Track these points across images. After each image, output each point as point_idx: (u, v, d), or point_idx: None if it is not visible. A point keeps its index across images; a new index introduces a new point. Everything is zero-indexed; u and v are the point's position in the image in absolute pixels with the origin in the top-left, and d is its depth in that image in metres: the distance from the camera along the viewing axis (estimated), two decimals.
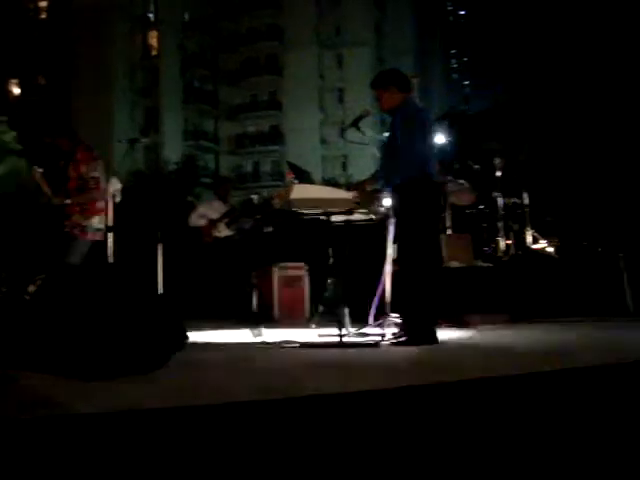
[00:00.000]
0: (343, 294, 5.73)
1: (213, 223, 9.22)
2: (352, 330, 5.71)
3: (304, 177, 5.86)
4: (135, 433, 2.68)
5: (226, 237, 9.34)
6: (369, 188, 5.38)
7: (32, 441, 2.54)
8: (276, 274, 8.22)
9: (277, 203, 5.76)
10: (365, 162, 39.00)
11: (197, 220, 9.29)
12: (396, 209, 5.34)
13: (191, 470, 2.32)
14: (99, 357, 3.91)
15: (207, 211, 9.40)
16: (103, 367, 3.88)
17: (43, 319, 4.49)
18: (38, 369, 4.18)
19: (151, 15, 50.21)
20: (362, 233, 6.34)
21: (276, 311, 8.19)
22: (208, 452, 2.49)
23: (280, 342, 5.53)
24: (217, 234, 9.29)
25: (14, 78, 47.34)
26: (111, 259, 6.46)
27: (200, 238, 9.22)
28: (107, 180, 6.55)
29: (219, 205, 9.48)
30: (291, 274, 8.44)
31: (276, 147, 51.82)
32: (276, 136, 52.57)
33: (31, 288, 5.09)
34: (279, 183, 45.88)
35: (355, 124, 6.09)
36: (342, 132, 40.69)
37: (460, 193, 8.82)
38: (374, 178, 5.57)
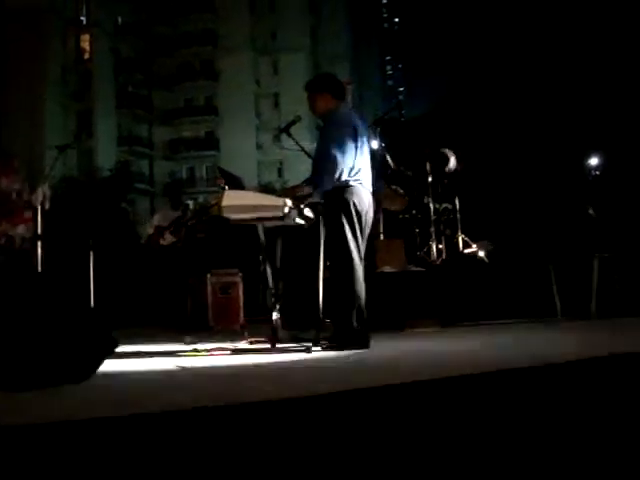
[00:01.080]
0: (275, 300, 5.74)
1: (161, 231, 9.22)
2: (285, 335, 5.73)
3: (236, 183, 5.86)
4: (66, 444, 2.65)
5: (170, 244, 9.33)
6: (299, 194, 5.41)
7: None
8: (210, 281, 8.20)
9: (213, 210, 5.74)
10: (301, 168, 39.04)
11: (147, 230, 9.37)
12: (324, 215, 5.40)
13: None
14: (27, 368, 3.85)
15: (160, 221, 9.46)
16: (31, 378, 3.82)
17: None
18: None
19: (83, 18, 49.41)
20: (295, 239, 6.37)
21: (210, 318, 8.16)
22: (140, 462, 2.48)
23: (212, 349, 5.52)
24: (162, 242, 9.28)
25: None
26: (40, 268, 6.35)
27: (143, 244, 9.20)
28: (32, 188, 6.43)
29: (171, 213, 9.53)
30: (225, 280, 8.42)
31: (212, 152, 51.50)
32: (211, 141, 52.28)
33: None
34: (214, 189, 45.62)
35: (286, 130, 6.12)
36: (276, 138, 40.66)
37: (393, 198, 8.93)
38: (305, 184, 5.61)
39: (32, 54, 43.89)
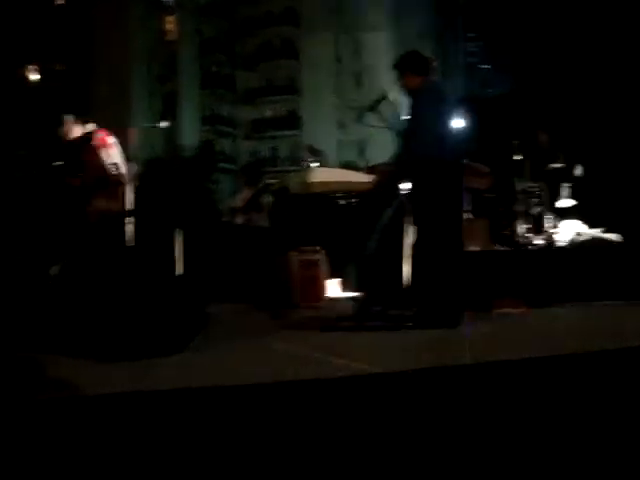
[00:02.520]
0: (362, 276, 5.74)
1: (235, 210, 9.36)
2: (372, 312, 5.72)
3: (322, 160, 5.87)
4: (153, 414, 2.72)
5: (244, 223, 9.45)
6: (387, 170, 5.38)
7: (53, 421, 2.59)
8: (294, 258, 8.24)
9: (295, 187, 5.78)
10: (382, 146, 38.87)
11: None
12: (414, 191, 5.35)
13: (208, 452, 2.35)
14: (122, 340, 3.96)
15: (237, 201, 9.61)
16: (127, 349, 3.93)
17: (66, 302, 4.55)
18: (64, 351, 4.23)
19: (168, 0, 50.05)
20: (380, 214, 6.34)
21: (295, 295, 8.21)
22: (231, 432, 2.52)
23: (296, 324, 5.57)
24: (240, 221, 9.41)
25: (32, 64, 47.39)
26: (131, 243, 6.50)
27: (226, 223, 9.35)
28: (126, 165, 6.58)
29: (248, 191, 9.63)
30: (309, 258, 8.45)
31: (293, 131, 51.68)
32: (293, 120, 52.43)
33: (53, 271, 5.16)
34: (296, 168, 45.81)
35: (373, 108, 6.09)
36: (360, 116, 40.45)
37: (478, 177, 8.80)
38: (393, 160, 5.58)
39: (118, 37, 44.80)
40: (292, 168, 45.50)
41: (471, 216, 8.61)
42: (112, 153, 6.32)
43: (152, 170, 22.43)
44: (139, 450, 2.34)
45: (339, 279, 9.16)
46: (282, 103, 53.01)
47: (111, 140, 6.43)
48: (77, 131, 6.44)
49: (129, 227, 6.58)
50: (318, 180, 4.86)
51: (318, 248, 8.56)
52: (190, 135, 43.55)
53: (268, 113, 53.42)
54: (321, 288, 8.44)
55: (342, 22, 52.25)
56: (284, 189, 10.23)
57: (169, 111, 44.79)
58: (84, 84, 44.90)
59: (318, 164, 5.15)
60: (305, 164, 5.37)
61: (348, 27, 52.14)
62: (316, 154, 5.72)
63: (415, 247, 5.40)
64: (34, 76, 46.04)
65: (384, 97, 6.14)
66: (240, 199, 9.72)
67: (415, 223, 5.37)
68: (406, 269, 5.58)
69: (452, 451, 2.27)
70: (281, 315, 6.57)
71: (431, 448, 2.32)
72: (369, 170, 5.91)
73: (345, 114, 50.78)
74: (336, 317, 6.19)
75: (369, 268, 6.22)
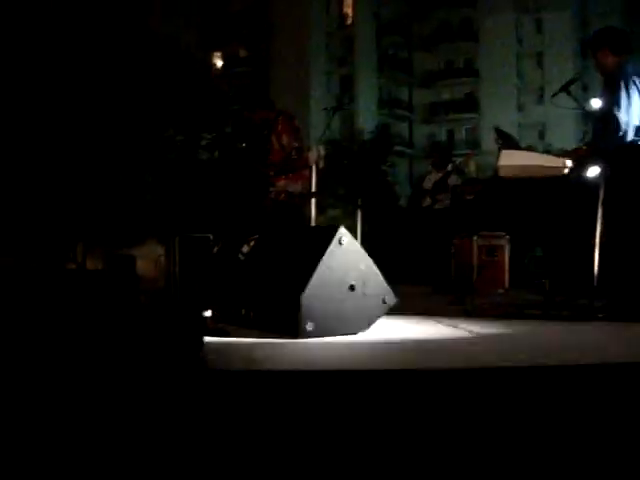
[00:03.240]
0: (548, 264, 5.54)
1: (424, 193, 9.34)
2: (558, 301, 5.51)
3: (511, 143, 5.69)
4: (331, 392, 2.72)
5: (428, 206, 9.44)
6: (581, 155, 5.13)
7: (230, 392, 2.66)
8: (476, 242, 8.07)
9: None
10: (564, 130, 37.38)
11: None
12: (608, 177, 5.07)
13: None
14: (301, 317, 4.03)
15: (426, 184, 9.60)
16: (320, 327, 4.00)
17: (255, 279, 4.69)
18: (249, 325, 4.38)
19: None
20: (570, 200, 6.07)
21: (475, 280, 8.06)
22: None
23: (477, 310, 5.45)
24: (425, 204, 9.39)
25: (217, 51, 49.44)
26: (313, 223, 6.61)
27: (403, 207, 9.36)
28: (309, 148, 6.69)
29: (435, 175, 9.61)
30: (491, 243, 8.27)
31: (471, 115, 50.80)
32: (471, 103, 51.50)
33: (245, 249, 5.33)
34: (474, 152, 45.03)
35: (565, 88, 5.81)
36: (539, 98, 39.06)
37: None
38: (587, 145, 5.32)
39: (297, 21, 45.78)
40: (470, 152, 44.82)
41: None
42: (295, 136, 6.44)
43: (332, 153, 22.77)
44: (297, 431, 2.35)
45: (520, 265, 8.92)
46: (460, 86, 52.19)
47: (294, 123, 6.55)
48: (261, 114, 6.61)
49: (312, 208, 6.70)
50: (507, 164, 4.69)
51: (502, 233, 8.36)
52: (367, 118, 43.86)
53: (445, 96, 52.80)
54: (503, 274, 8.24)
55: (523, 2, 50.59)
56: (465, 173, 10.09)
57: (346, 94, 45.33)
58: (264, 68, 46.32)
59: (506, 147, 4.98)
60: (498, 147, 5.21)
61: (529, 7, 50.42)
62: (504, 137, 5.54)
63: (607, 235, 5.12)
64: (218, 62, 48.11)
65: (577, 78, 5.87)
66: (429, 181, 9.70)
67: (606, 210, 5.08)
68: (596, 258, 5.31)
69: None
70: (461, 300, 6.46)
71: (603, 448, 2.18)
72: (563, 154, 5.64)
73: (525, 96, 49.31)
74: (519, 305, 6.02)
75: (556, 256, 5.99)
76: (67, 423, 2.39)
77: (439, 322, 4.78)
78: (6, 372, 2.81)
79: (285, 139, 6.38)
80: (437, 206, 9.34)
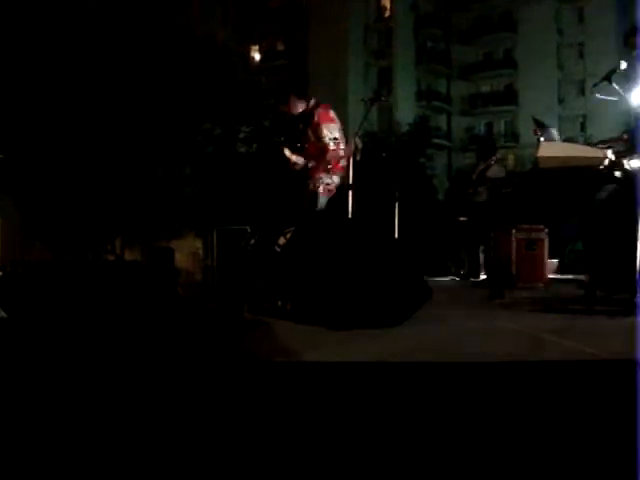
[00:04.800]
0: (589, 258, 5.46)
1: (469, 185, 9.28)
2: (598, 296, 5.43)
3: (550, 134, 5.61)
4: (363, 384, 2.71)
5: (468, 198, 9.39)
6: (623, 146, 5.04)
7: (270, 384, 2.66)
8: (515, 236, 7.99)
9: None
10: (606, 122, 36.79)
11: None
12: None
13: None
14: (350, 309, 4.03)
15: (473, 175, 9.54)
16: (347, 318, 4.00)
17: (292, 270, 4.70)
18: (286, 317, 4.39)
19: None
20: (611, 193, 5.97)
21: (514, 274, 7.99)
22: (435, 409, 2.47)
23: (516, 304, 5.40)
24: (476, 198, 9.31)
25: (255, 45, 49.58)
26: (352, 216, 6.60)
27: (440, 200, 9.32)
28: (346, 140, 6.67)
29: (480, 166, 9.54)
30: (531, 236, 8.17)
31: (510, 107, 50.21)
32: (510, 95, 50.88)
33: (281, 241, 5.34)
34: (513, 144, 44.55)
35: (607, 78, 5.71)
36: (593, 87, 38.42)
37: None
38: (628, 135, 5.22)
39: (335, 14, 45.69)
40: (509, 145, 44.37)
41: None
42: (332, 128, 6.42)
43: (370, 146, 22.71)
44: (335, 420, 2.34)
45: (559, 260, 8.82)
46: (499, 77, 51.63)
47: (331, 115, 6.52)
48: (299, 107, 6.59)
49: (350, 200, 6.69)
50: (547, 155, 4.62)
51: (541, 227, 8.25)
52: (405, 111, 43.65)
53: (484, 88, 52.28)
54: (542, 268, 8.13)
55: None
56: (504, 166, 10.01)
57: (384, 87, 45.17)
58: (302, 61, 46.36)
59: (543, 138, 4.91)
60: (537, 138, 5.12)
61: None
62: (544, 128, 5.45)
63: None
64: (257, 56, 48.29)
65: (619, 67, 5.75)
66: (474, 173, 9.63)
67: None
68: (639, 252, 5.22)
69: None
70: (499, 293, 6.41)
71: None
72: (604, 144, 5.54)
73: (566, 88, 48.63)
74: (559, 299, 5.95)
75: (596, 250, 5.90)
76: (104, 411, 2.41)
77: (477, 315, 4.75)
78: (47, 360, 2.85)
79: (322, 131, 6.36)
80: (476, 199, 9.25)
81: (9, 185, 18.69)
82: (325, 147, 6.27)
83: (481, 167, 9.45)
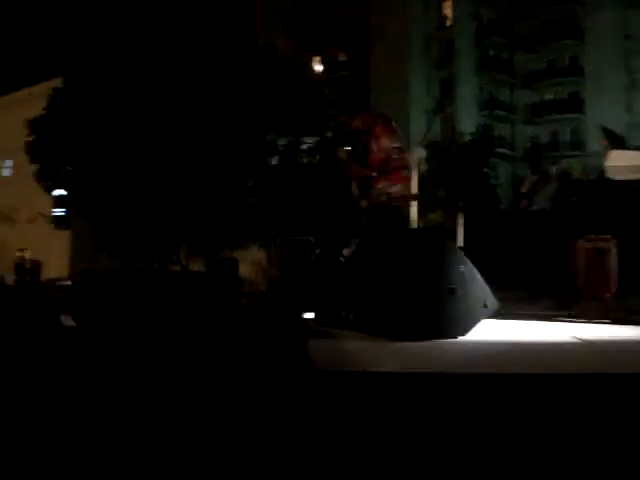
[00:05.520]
0: None
1: (522, 196, 9.21)
2: None
3: (619, 143, 5.51)
4: (427, 394, 2.70)
5: (526, 208, 9.27)
6: None
7: (335, 393, 2.67)
8: (582, 246, 7.84)
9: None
10: None
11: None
12: None
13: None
14: (407, 319, 4.02)
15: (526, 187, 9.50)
16: (410, 329, 3.98)
17: (357, 281, 4.71)
18: (349, 327, 4.40)
19: None
20: None
21: (580, 284, 7.83)
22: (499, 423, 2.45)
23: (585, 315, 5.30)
24: (522, 206, 9.25)
25: (317, 55, 49.84)
26: (414, 225, 6.59)
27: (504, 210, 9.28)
28: (409, 150, 6.67)
29: (531, 177, 9.50)
30: (598, 246, 7.99)
31: (576, 115, 49.29)
32: (576, 103, 49.98)
33: (346, 251, 5.36)
34: (578, 153, 43.73)
35: None
36: None
37: None
38: None
39: (396, 24, 45.65)
40: (574, 154, 43.55)
41: None
42: (394, 139, 6.43)
43: (432, 155, 22.58)
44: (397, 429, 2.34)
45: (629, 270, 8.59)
46: (564, 85, 50.74)
47: (392, 126, 6.54)
48: (361, 117, 6.63)
49: (413, 210, 6.68)
50: (616, 164, 4.53)
51: (609, 237, 8.07)
52: (467, 120, 43.27)
53: (548, 96, 51.44)
54: (611, 279, 7.95)
55: None
56: (567, 174, 9.86)
57: (446, 96, 44.89)
58: (363, 72, 46.44)
59: (614, 148, 4.83)
60: (604, 147, 5.05)
61: (638, 3, 48.58)
62: (612, 137, 5.34)
63: None
64: (318, 67, 48.53)
65: None
66: (526, 184, 9.57)
67: None
68: None
69: None
70: (566, 304, 6.31)
71: None
72: None
73: (634, 95, 47.55)
74: (626, 310, 5.83)
75: None
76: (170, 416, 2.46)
77: (543, 326, 4.68)
78: (116, 365, 2.92)
79: (383, 141, 6.38)
80: (535, 208, 9.15)
81: (79, 198, 19.17)
82: (387, 158, 6.29)
83: (533, 178, 9.36)
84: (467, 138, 33.00)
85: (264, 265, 11.42)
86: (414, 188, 6.69)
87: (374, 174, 6.46)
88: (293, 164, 19.54)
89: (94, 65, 20.13)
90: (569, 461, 2.13)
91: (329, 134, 20.64)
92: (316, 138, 19.38)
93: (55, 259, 28.78)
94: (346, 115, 6.89)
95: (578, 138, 48.10)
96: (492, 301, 4.35)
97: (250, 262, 13.44)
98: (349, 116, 6.80)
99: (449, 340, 3.94)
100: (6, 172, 35.92)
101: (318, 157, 20.26)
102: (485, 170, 29.87)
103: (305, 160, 19.85)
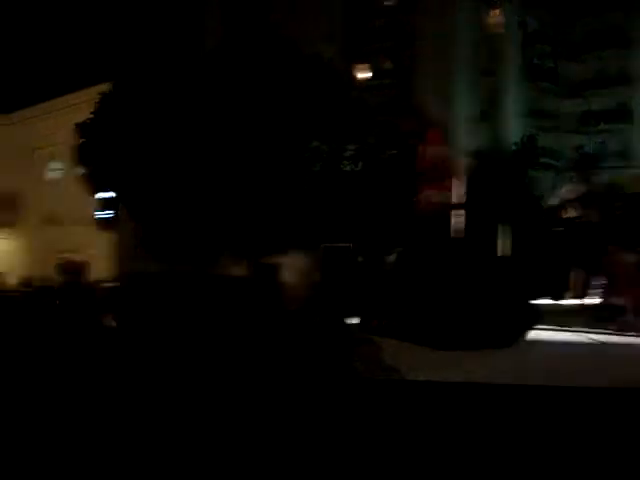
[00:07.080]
0: None
1: (564, 204, 9.14)
2: None
3: None
4: (465, 404, 2.72)
5: (573, 218, 9.16)
6: None
7: (378, 401, 2.71)
8: (628, 259, 7.76)
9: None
10: None
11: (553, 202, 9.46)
12: None
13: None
14: (451, 329, 4.03)
15: (567, 195, 9.44)
16: (454, 339, 4.00)
17: (399, 289, 4.73)
18: (393, 335, 4.42)
19: None
20: None
21: (624, 297, 7.75)
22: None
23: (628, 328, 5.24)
24: (564, 214, 9.16)
25: (361, 63, 49.86)
26: (460, 235, 6.58)
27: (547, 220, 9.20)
28: (454, 159, 6.67)
29: (579, 188, 9.42)
30: None
31: (623, 125, 48.53)
32: (624, 113, 49.22)
33: (390, 259, 5.38)
34: (626, 164, 43.06)
35: None
36: None
37: None
38: None
39: (441, 32, 45.51)
40: (622, 164, 42.86)
41: None
42: (439, 148, 6.44)
43: (478, 165, 22.45)
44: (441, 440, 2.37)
45: None
46: (611, 95, 50.00)
47: (438, 134, 6.55)
48: (409, 123, 6.65)
49: (458, 219, 6.67)
50: None
51: None
52: (512, 129, 42.90)
53: (595, 106, 50.72)
54: None
55: None
56: (616, 186, 9.74)
57: (492, 105, 44.62)
58: (409, 79, 46.37)
59: None
60: None
61: None
62: None
63: None
64: (364, 74, 48.56)
65: None
66: (568, 194, 9.48)
67: None
68: None
69: None
70: (611, 317, 6.24)
71: None
72: None
73: None
74: None
75: None
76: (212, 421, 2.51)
77: (587, 339, 4.65)
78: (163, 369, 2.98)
79: (431, 149, 6.40)
80: (581, 219, 9.06)
81: (129, 200, 19.48)
82: (435, 165, 6.30)
83: (578, 189, 9.27)
84: (512, 147, 32.74)
85: (306, 271, 11.46)
86: (459, 197, 6.67)
87: (419, 182, 6.49)
88: (336, 171, 19.59)
89: (145, 70, 20.48)
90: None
91: (372, 140, 20.68)
92: (359, 145, 19.42)
93: (100, 261, 29.23)
94: (394, 118, 6.90)
95: (626, 148, 47.40)
96: (536, 312, 4.34)
97: (292, 268, 13.52)
98: (398, 118, 6.81)
99: (496, 350, 3.96)
100: (55, 174, 36.58)
101: (361, 164, 20.28)
102: (529, 179, 29.60)
103: (348, 168, 19.88)
